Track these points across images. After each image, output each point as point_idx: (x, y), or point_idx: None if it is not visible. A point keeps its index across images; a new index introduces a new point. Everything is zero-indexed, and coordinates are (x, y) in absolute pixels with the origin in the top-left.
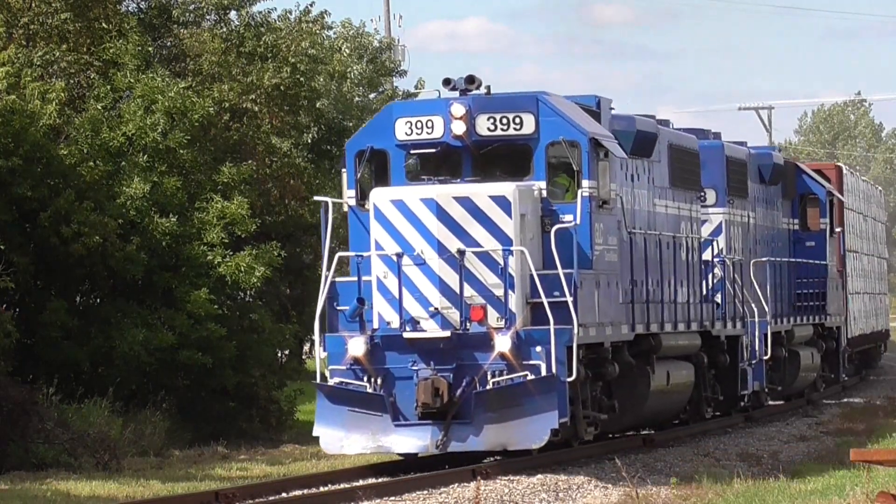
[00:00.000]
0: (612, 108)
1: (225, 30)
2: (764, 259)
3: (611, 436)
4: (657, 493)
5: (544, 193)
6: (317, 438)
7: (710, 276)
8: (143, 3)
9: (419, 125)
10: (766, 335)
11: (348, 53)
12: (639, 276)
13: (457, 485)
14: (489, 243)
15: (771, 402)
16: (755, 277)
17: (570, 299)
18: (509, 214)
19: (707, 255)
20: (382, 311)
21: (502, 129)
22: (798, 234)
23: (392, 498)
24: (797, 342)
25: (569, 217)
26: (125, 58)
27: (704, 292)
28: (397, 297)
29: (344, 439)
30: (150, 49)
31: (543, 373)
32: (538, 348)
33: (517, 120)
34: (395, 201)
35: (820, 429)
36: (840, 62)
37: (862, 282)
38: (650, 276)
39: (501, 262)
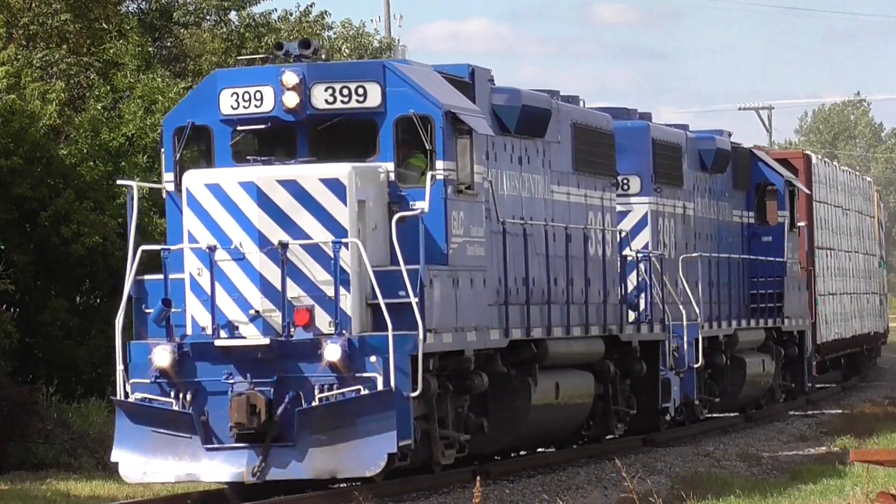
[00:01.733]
0: (491, 80)
1: (225, 30)
2: (695, 255)
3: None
4: (657, 494)
5: (392, 176)
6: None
7: (632, 274)
8: (143, 3)
9: (247, 97)
10: (697, 340)
11: (348, 53)
12: (516, 272)
13: (457, 485)
14: (320, 234)
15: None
16: (684, 275)
17: (414, 300)
18: (344, 200)
19: (632, 250)
20: (196, 315)
21: (343, 102)
22: (754, 228)
23: (392, 499)
24: (743, 348)
25: (420, 204)
26: (125, 58)
27: (622, 292)
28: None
29: (147, 466)
30: (150, 50)
31: (380, 387)
32: (373, 358)
33: (360, 91)
34: (211, 185)
35: (820, 429)
36: (840, 62)
37: (839, 281)
38: (534, 272)
39: (333, 255)
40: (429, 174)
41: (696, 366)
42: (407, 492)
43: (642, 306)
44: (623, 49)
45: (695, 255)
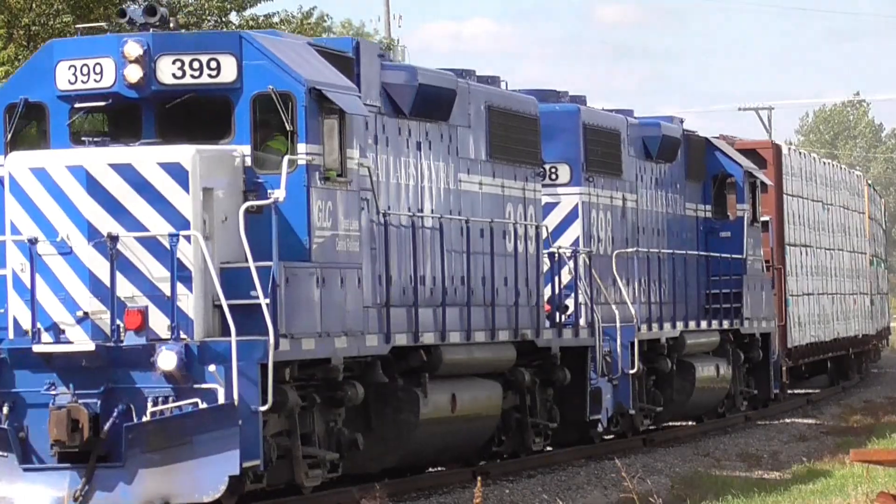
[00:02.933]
0: (382, 55)
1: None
2: (630, 250)
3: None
4: (657, 494)
5: (248, 161)
6: None
7: (562, 272)
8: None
9: (85, 70)
10: (632, 344)
11: None
12: (402, 270)
13: (457, 485)
14: (158, 226)
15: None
16: (619, 273)
17: (264, 301)
18: (186, 188)
19: (560, 246)
20: (19, 316)
21: (193, 77)
22: (711, 222)
23: (393, 499)
24: (692, 352)
25: (277, 192)
26: None
27: (540, 292)
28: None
29: None
30: None
31: (221, 399)
32: (212, 367)
33: (213, 64)
34: (36, 170)
35: (820, 429)
36: (840, 62)
37: (817, 281)
38: (426, 270)
39: (170, 249)
40: (286, 158)
41: (631, 372)
42: (407, 492)
43: (571, 308)
44: (623, 49)
45: (630, 250)
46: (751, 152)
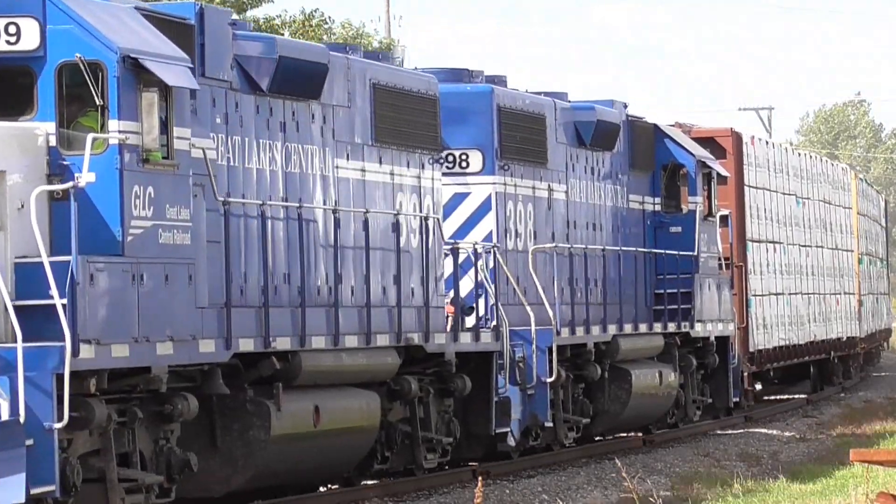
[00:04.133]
0: (234, 24)
1: None
2: (548, 246)
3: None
4: (657, 494)
5: (53, 140)
6: None
7: (462, 270)
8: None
9: None
10: (550, 349)
11: None
12: (249, 266)
13: (457, 485)
14: None
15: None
16: (536, 271)
17: (59, 302)
18: None
19: (469, 242)
20: None
21: None
22: (661, 216)
23: (393, 499)
24: (629, 357)
25: (84, 176)
26: None
27: (428, 290)
28: None
29: None
30: None
31: (5, 416)
32: None
33: (11, 29)
34: None
35: (820, 429)
36: (840, 62)
37: (788, 280)
38: (282, 267)
39: None
40: (89, 136)
41: (549, 380)
42: (407, 491)
43: (482, 310)
44: (624, 49)
45: (548, 246)
46: (708, 141)
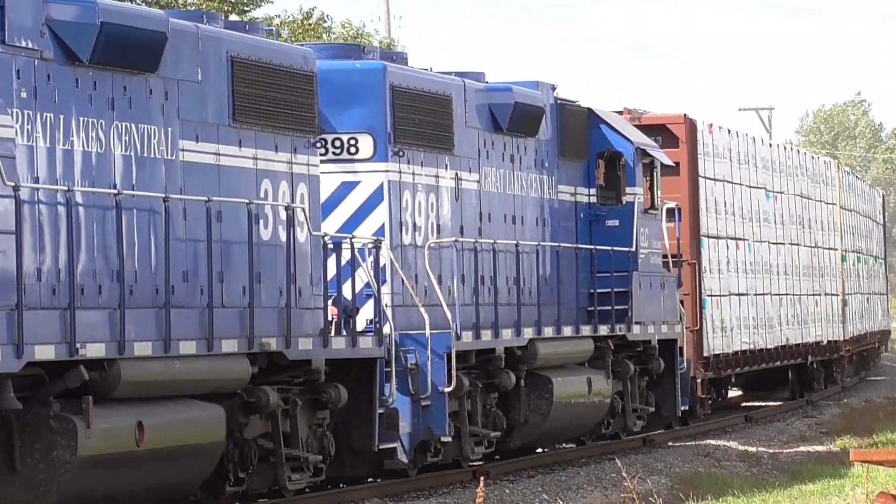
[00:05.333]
0: None
1: None
2: (447, 240)
3: None
4: (657, 494)
5: None
6: None
7: (360, 268)
8: (143, 5)
9: None
10: (448, 355)
11: None
12: (45, 262)
13: (457, 485)
14: None
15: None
16: (432, 268)
17: None
18: None
19: (355, 236)
20: None
21: None
22: (596, 209)
23: (393, 499)
24: (550, 363)
25: None
26: None
27: (289, 289)
28: None
29: None
30: None
31: None
32: None
33: None
34: None
35: (820, 429)
36: (840, 62)
37: (754, 279)
38: (91, 262)
39: None
40: None
41: (446, 390)
42: (407, 492)
43: (376, 311)
44: (624, 49)
45: (446, 240)
46: (660, 128)
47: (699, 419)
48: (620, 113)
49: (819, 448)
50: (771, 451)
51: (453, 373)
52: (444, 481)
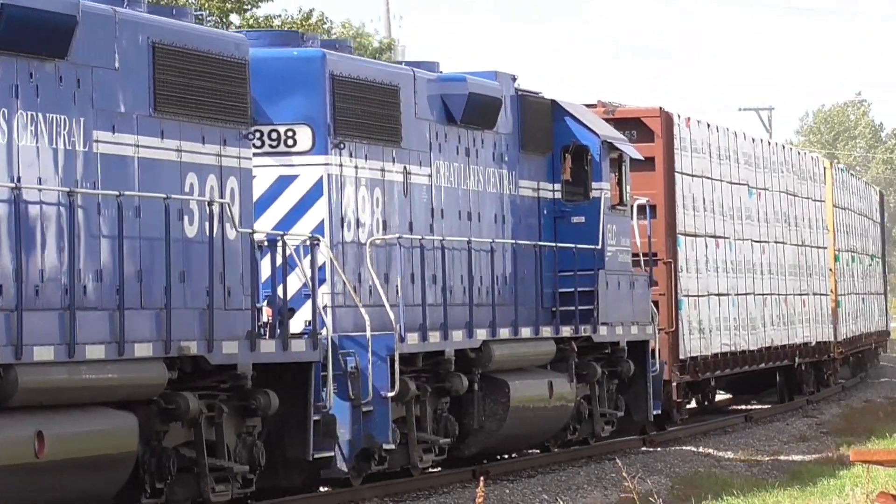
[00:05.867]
0: None
1: None
2: (390, 237)
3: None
4: (657, 494)
5: None
6: None
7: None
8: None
9: None
10: (392, 358)
11: None
12: None
13: (457, 485)
14: None
15: (437, 469)
16: (375, 267)
17: None
18: None
19: (292, 233)
20: None
21: None
22: (561, 205)
23: (393, 499)
24: (508, 367)
25: None
26: None
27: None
28: None
29: None
30: None
31: None
32: None
33: None
34: None
35: (820, 429)
36: (840, 62)
37: (735, 279)
38: None
39: None
40: None
41: (389, 394)
42: (408, 491)
43: (314, 313)
44: (624, 49)
45: (390, 237)
46: (634, 122)
47: (676, 424)
48: (594, 106)
49: (819, 448)
50: (771, 450)
51: (396, 377)
52: (444, 481)
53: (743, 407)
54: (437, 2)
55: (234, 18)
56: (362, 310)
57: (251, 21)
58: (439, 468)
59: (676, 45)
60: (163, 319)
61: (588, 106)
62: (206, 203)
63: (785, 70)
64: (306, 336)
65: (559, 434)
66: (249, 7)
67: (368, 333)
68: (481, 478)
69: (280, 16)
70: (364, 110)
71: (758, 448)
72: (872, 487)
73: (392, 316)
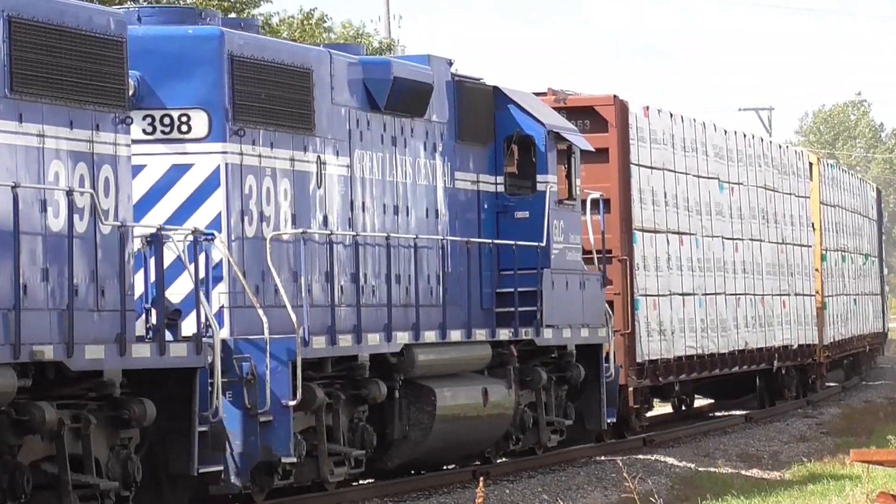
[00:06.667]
0: None
1: None
2: (292, 232)
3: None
4: (657, 494)
5: None
6: None
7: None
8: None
9: None
10: (293, 363)
11: None
12: None
13: (457, 485)
14: None
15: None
16: (276, 265)
17: None
18: None
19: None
20: None
21: None
22: (504, 199)
23: (393, 499)
24: (438, 372)
25: None
26: None
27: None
28: None
29: None
30: None
31: None
32: None
33: None
34: None
35: (820, 429)
36: (840, 62)
37: (703, 278)
38: None
39: None
40: None
41: (290, 403)
42: (408, 491)
43: (202, 315)
44: (624, 49)
45: (291, 232)
46: (587, 111)
47: (636, 431)
48: (544, 94)
49: (819, 448)
50: (771, 451)
51: (299, 383)
52: (444, 481)
53: (724, 413)
54: (438, 2)
55: (232, 17)
56: (259, 311)
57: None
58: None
59: (676, 45)
60: (10, 321)
61: (538, 94)
62: (66, 193)
63: (785, 70)
64: (184, 340)
65: (500, 444)
66: (248, 6)
67: (266, 336)
68: (481, 478)
69: (278, 13)
70: (270, 94)
71: (758, 448)
72: (872, 487)
73: (294, 317)
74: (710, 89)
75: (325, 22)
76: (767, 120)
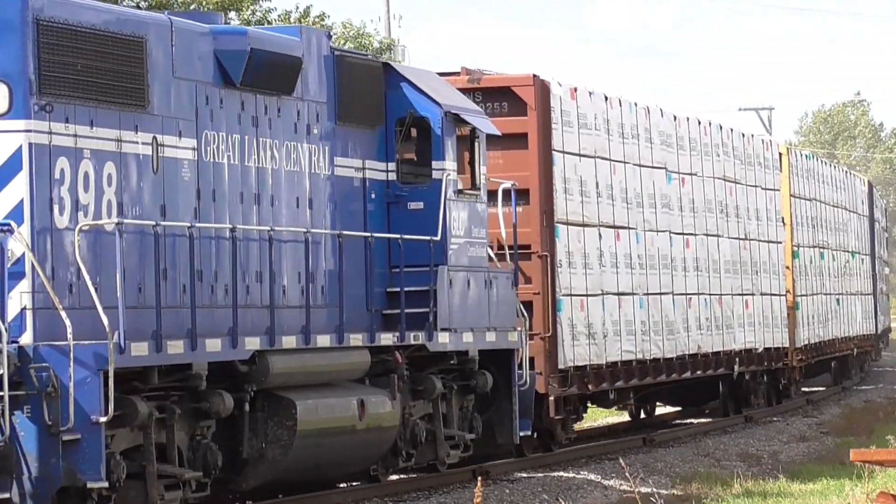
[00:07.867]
0: None
1: None
2: (106, 222)
3: None
4: (657, 494)
5: None
6: None
7: None
8: (142, 3)
9: None
10: (106, 374)
11: None
12: None
13: (457, 485)
14: None
15: None
16: (88, 260)
17: None
18: None
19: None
20: None
21: None
22: (397, 188)
23: (393, 499)
24: (301, 381)
25: None
26: None
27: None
28: None
29: None
30: None
31: None
32: None
33: None
34: None
35: (820, 429)
36: (840, 62)
37: (646, 276)
38: None
39: None
40: None
41: (102, 419)
42: (408, 491)
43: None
44: (624, 49)
45: (105, 222)
46: (504, 91)
47: (561, 444)
48: (457, 74)
49: (819, 448)
50: (771, 451)
51: (111, 396)
52: (444, 481)
53: (692, 421)
54: (438, 2)
55: (233, 16)
56: (62, 313)
57: (250, 17)
58: None
59: (677, 45)
60: None
61: (448, 74)
62: None
63: (785, 70)
64: None
65: (389, 460)
66: (248, 5)
67: (70, 341)
68: (479, 478)
69: (275, 9)
70: (90, 66)
71: (758, 448)
72: (872, 487)
73: (106, 320)
74: (710, 89)
75: (323, 20)
76: (767, 120)
